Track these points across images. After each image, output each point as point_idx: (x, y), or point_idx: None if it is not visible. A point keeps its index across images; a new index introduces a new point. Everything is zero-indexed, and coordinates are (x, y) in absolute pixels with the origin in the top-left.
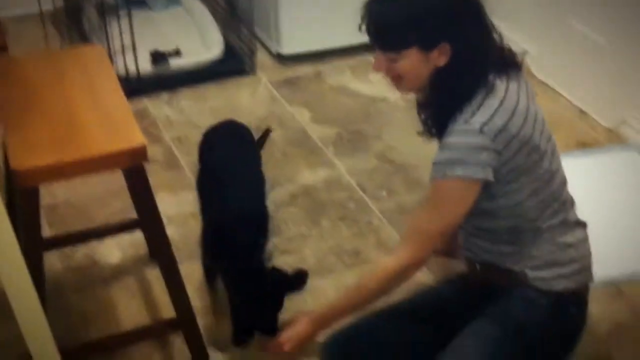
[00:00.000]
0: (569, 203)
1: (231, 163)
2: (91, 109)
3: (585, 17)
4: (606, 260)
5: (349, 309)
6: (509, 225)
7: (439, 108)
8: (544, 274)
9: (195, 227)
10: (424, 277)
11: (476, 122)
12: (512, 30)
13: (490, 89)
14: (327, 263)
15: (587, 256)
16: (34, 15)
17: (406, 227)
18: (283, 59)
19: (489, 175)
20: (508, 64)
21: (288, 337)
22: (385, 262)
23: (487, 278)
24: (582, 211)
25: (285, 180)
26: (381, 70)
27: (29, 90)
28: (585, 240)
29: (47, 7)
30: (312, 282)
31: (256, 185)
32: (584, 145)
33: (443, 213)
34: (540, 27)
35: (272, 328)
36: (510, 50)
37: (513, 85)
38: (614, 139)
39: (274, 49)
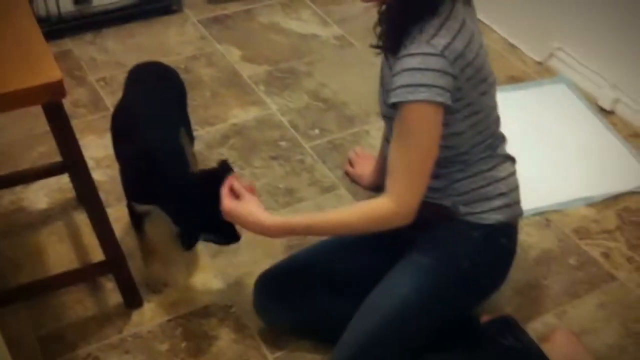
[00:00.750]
0: (500, 139)
1: (150, 101)
2: (2, 43)
3: None
4: (535, 191)
5: (314, 232)
6: (441, 156)
7: (400, 22)
8: (474, 208)
9: None
10: None
11: (439, 44)
12: None
13: (451, 11)
14: (266, 204)
15: (515, 190)
16: None
17: (389, 167)
18: None
19: (448, 100)
20: None
21: (240, 210)
22: (377, 204)
23: (419, 213)
24: (512, 144)
25: (217, 120)
26: None
27: None
28: (513, 174)
29: None
30: None
31: (172, 123)
32: (514, 79)
33: (415, 142)
34: None
35: (223, 226)
36: None
37: (468, 10)
38: (544, 72)
39: None
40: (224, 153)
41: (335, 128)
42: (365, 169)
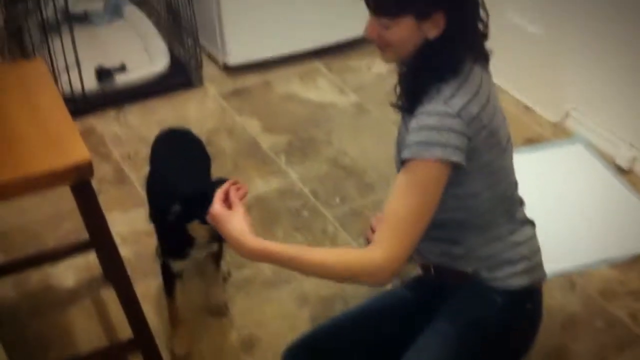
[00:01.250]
0: (518, 203)
1: (181, 159)
2: (32, 124)
3: (520, 9)
4: (558, 253)
5: (292, 267)
6: (458, 218)
7: (419, 82)
8: (496, 273)
9: (148, 244)
10: None
11: (455, 104)
12: None
13: (469, 74)
14: (284, 274)
15: (537, 253)
16: None
17: (385, 218)
18: (230, 70)
19: (463, 160)
20: (484, 51)
21: (228, 219)
22: (366, 257)
23: (442, 280)
24: (532, 206)
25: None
26: (372, 36)
27: None
28: (533, 237)
29: None
30: (270, 294)
31: (204, 177)
32: (530, 141)
33: (419, 197)
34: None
35: None
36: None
37: (485, 75)
38: (560, 133)
39: (220, 60)
40: None
41: (356, 195)
42: None
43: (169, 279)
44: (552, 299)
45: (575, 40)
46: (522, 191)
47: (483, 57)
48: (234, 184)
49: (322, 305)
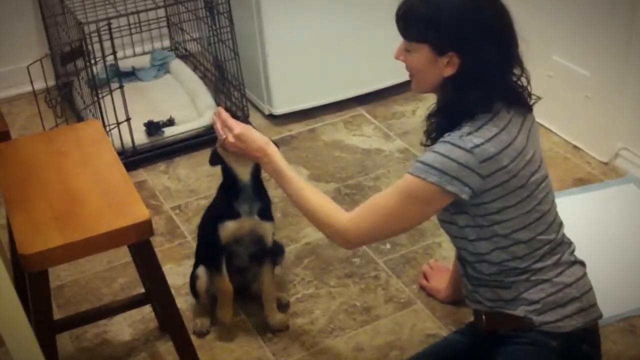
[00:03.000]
0: (565, 245)
1: None
2: (92, 185)
3: (567, 51)
4: (615, 296)
5: (290, 193)
6: (502, 261)
7: (443, 118)
8: (547, 317)
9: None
10: (436, 329)
11: (470, 141)
12: None
13: (494, 116)
14: (338, 322)
15: (588, 293)
16: (26, 94)
17: (370, 200)
18: (276, 119)
19: (464, 194)
20: (520, 101)
21: (244, 130)
22: (338, 216)
23: (494, 326)
24: (584, 248)
25: (289, 241)
26: (397, 57)
27: (30, 171)
28: (583, 277)
29: (39, 85)
30: (325, 343)
31: None
32: (580, 181)
33: (402, 206)
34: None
35: None
36: (527, 90)
37: (517, 120)
38: (610, 172)
39: (266, 110)
40: (299, 273)
41: (407, 242)
42: (441, 282)
43: (217, 253)
44: (613, 344)
45: (622, 80)
46: (575, 232)
47: (518, 103)
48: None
49: (378, 354)
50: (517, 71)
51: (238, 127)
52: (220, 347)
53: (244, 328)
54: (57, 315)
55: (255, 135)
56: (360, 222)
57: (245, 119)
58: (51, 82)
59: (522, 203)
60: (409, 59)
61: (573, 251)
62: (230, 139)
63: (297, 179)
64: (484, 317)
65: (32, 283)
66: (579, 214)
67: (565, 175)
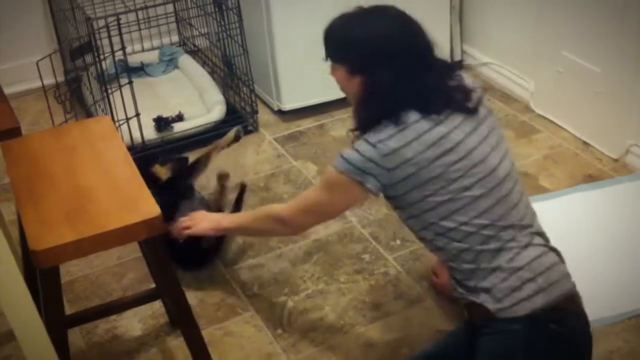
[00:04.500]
0: (516, 228)
1: None
2: (102, 181)
3: (576, 47)
4: (626, 293)
5: (234, 229)
6: (444, 246)
7: (357, 122)
8: (504, 302)
9: (212, 291)
10: (446, 326)
11: (375, 138)
12: (508, 68)
13: (397, 120)
14: (348, 318)
15: (544, 273)
16: (35, 90)
17: (303, 193)
18: (285, 115)
19: (367, 183)
20: (441, 101)
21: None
22: (275, 212)
23: (471, 316)
24: (596, 245)
25: (299, 237)
26: (331, 74)
27: (40, 167)
28: (538, 257)
29: (48, 81)
30: (335, 339)
31: None
32: (591, 177)
33: (323, 195)
34: (535, 63)
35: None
36: (461, 89)
37: (433, 119)
38: (620, 169)
39: (275, 106)
40: (308, 269)
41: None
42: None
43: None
44: (625, 342)
45: (633, 75)
46: (585, 228)
47: (436, 105)
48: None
49: (388, 350)
50: (433, 76)
51: (181, 220)
52: (230, 342)
53: (254, 324)
54: (68, 310)
55: (206, 217)
56: (293, 212)
57: (253, 114)
58: (60, 78)
59: (443, 190)
60: (335, 74)
61: (532, 233)
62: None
63: (235, 220)
64: (464, 307)
65: (43, 278)
66: (590, 211)
67: (575, 172)
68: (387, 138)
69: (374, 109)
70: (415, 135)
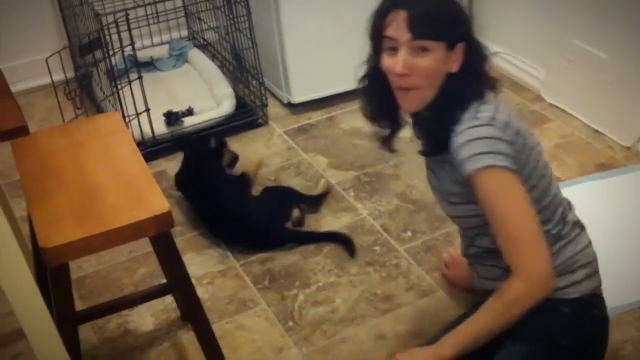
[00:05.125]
0: (567, 206)
1: None
2: (111, 177)
3: (587, 35)
4: (636, 282)
5: (466, 347)
6: None
7: (441, 119)
8: (559, 283)
9: (223, 284)
10: (451, 311)
11: (483, 116)
12: (519, 57)
13: (484, 99)
14: (359, 310)
15: (594, 260)
16: (45, 86)
17: (500, 248)
18: (294, 107)
19: (512, 165)
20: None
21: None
22: (508, 290)
23: None
24: (607, 234)
25: (310, 229)
26: (405, 70)
27: (49, 164)
28: (589, 245)
29: (57, 77)
30: (346, 331)
31: None
32: (603, 166)
33: (509, 206)
34: (546, 52)
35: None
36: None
37: (499, 98)
38: (632, 157)
39: (284, 98)
40: (320, 262)
41: (427, 229)
42: (462, 270)
43: None
44: (636, 330)
45: None
46: (597, 217)
47: (493, 83)
48: None
49: (400, 342)
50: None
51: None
52: (241, 336)
53: (266, 317)
54: (80, 305)
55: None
56: (525, 264)
57: (263, 107)
58: (70, 74)
59: (536, 168)
60: (421, 65)
61: (574, 211)
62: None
63: (467, 330)
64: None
65: (53, 275)
66: (602, 199)
67: (587, 160)
68: (494, 113)
69: (478, 81)
70: (509, 109)
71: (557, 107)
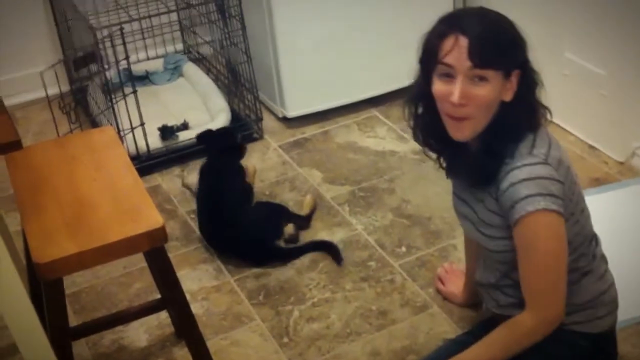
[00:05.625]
0: (596, 241)
1: None
2: (105, 192)
3: (582, 50)
4: (633, 298)
5: None
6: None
7: (494, 150)
8: (581, 317)
9: (218, 300)
10: (453, 333)
11: (540, 153)
12: None
13: (537, 131)
14: (354, 326)
15: (616, 298)
16: (40, 99)
17: (523, 286)
18: (289, 121)
19: (561, 208)
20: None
21: None
22: (517, 323)
23: None
24: (603, 249)
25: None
26: (462, 100)
27: (42, 178)
28: (613, 283)
29: (52, 91)
30: (341, 347)
31: None
32: (597, 181)
33: (547, 252)
34: (540, 66)
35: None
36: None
37: (549, 131)
38: (626, 172)
39: (279, 112)
40: (314, 277)
41: (422, 244)
42: (457, 285)
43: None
44: (634, 347)
45: (638, 77)
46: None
47: (545, 113)
48: None
49: (395, 359)
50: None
51: None
52: (236, 352)
53: (260, 333)
54: (74, 321)
55: None
56: (543, 308)
57: (258, 122)
58: (65, 88)
59: (577, 206)
60: (479, 95)
61: (602, 255)
62: None
63: (474, 357)
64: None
65: (47, 290)
66: (596, 215)
67: (581, 175)
68: (548, 149)
69: (531, 110)
70: (557, 141)
71: (552, 122)
